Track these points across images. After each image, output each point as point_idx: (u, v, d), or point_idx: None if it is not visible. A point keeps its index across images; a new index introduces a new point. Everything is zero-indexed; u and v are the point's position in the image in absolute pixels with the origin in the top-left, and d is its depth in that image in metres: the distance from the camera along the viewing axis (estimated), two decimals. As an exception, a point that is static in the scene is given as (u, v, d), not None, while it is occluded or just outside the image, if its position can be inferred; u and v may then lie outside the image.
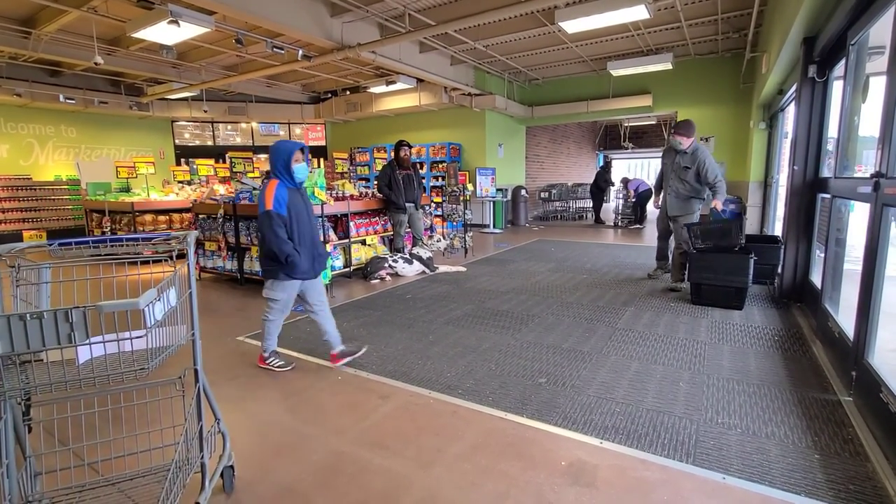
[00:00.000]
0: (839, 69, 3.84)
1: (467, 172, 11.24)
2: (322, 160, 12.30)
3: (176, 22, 5.39)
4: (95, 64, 7.06)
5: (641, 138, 18.35)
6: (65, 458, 1.99)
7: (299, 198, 3.07)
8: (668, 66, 8.62)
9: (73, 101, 10.05)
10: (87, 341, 1.33)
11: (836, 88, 3.98)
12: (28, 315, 1.23)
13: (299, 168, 3.01)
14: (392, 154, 6.53)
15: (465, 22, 6.41)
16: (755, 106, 8.24)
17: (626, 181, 12.52)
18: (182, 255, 1.70)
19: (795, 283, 4.53)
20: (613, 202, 15.50)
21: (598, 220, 13.07)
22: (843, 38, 3.46)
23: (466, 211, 8.32)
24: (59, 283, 1.70)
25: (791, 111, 5.45)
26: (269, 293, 3.13)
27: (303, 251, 3.04)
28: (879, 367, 2.40)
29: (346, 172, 10.34)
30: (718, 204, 4.93)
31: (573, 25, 6.36)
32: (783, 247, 4.63)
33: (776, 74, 5.72)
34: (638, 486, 1.96)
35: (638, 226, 12.00)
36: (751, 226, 8.49)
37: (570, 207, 14.71)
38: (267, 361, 3.23)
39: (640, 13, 5.94)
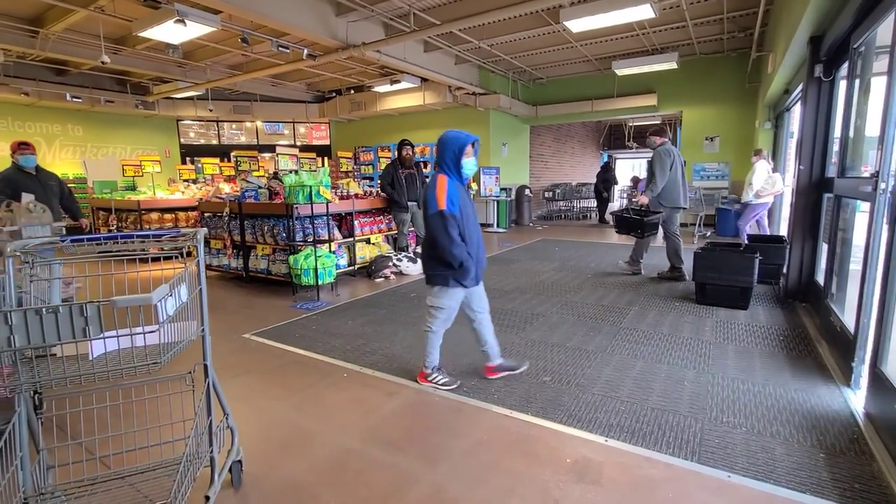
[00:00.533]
0: (846, 69, 3.83)
1: (471, 172, 11.24)
2: (326, 159, 12.34)
3: (182, 21, 5.43)
4: (102, 63, 7.12)
5: (646, 138, 18.30)
6: (76, 451, 2.02)
7: (466, 197, 2.73)
8: (674, 65, 8.60)
9: (80, 100, 10.12)
10: (102, 335, 1.35)
11: (843, 88, 3.96)
12: (44, 309, 1.25)
13: (468, 163, 2.66)
14: (395, 153, 6.55)
15: (469, 21, 6.42)
16: (761, 105, 8.22)
17: (636, 180, 12.39)
18: (189, 253, 1.72)
19: (801, 282, 4.53)
20: (617, 202, 15.41)
21: (603, 220, 13.03)
22: (847, 41, 3.45)
23: (470, 210, 8.30)
24: (71, 279, 1.73)
25: (797, 111, 5.44)
26: (435, 301, 2.77)
27: (472, 255, 2.70)
28: (886, 369, 2.39)
29: (350, 171, 10.38)
30: (643, 199, 5.39)
31: (578, 25, 6.35)
32: (789, 247, 4.63)
33: (782, 74, 5.70)
34: (643, 484, 1.97)
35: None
36: (753, 227, 8.44)
37: (574, 207, 14.69)
38: (430, 378, 2.89)
39: (645, 12, 5.93)
